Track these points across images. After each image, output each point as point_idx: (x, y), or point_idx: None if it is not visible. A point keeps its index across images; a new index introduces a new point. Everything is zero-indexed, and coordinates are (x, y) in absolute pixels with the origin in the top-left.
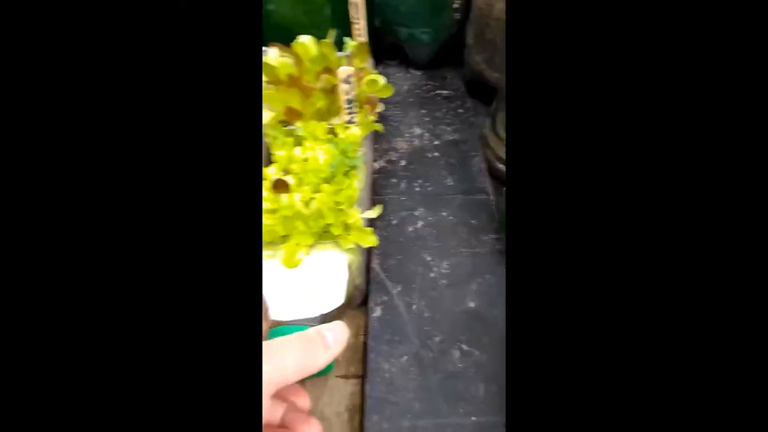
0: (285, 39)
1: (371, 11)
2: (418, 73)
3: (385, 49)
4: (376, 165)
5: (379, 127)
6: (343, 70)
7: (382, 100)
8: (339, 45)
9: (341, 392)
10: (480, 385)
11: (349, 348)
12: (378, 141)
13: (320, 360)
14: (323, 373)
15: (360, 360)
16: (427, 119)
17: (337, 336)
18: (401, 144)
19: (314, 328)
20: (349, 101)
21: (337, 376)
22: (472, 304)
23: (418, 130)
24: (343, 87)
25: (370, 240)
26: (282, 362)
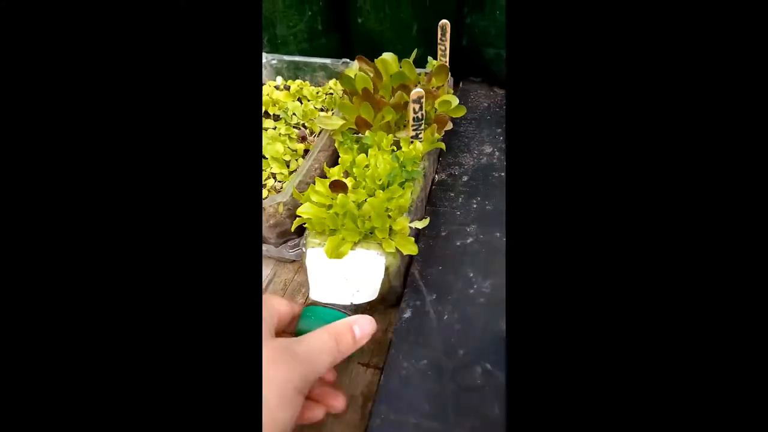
0: (372, 52)
1: (461, 30)
2: (502, 92)
3: (471, 66)
4: (437, 177)
5: (441, 145)
6: (416, 92)
7: (457, 116)
8: (423, 62)
9: (360, 378)
10: (494, 406)
11: (376, 341)
12: (444, 154)
13: (348, 351)
14: (348, 357)
15: (384, 353)
16: (500, 139)
17: (365, 330)
18: (467, 160)
19: (345, 320)
20: (417, 119)
21: (359, 363)
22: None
23: (488, 149)
24: (412, 106)
25: (411, 249)
26: (318, 361)
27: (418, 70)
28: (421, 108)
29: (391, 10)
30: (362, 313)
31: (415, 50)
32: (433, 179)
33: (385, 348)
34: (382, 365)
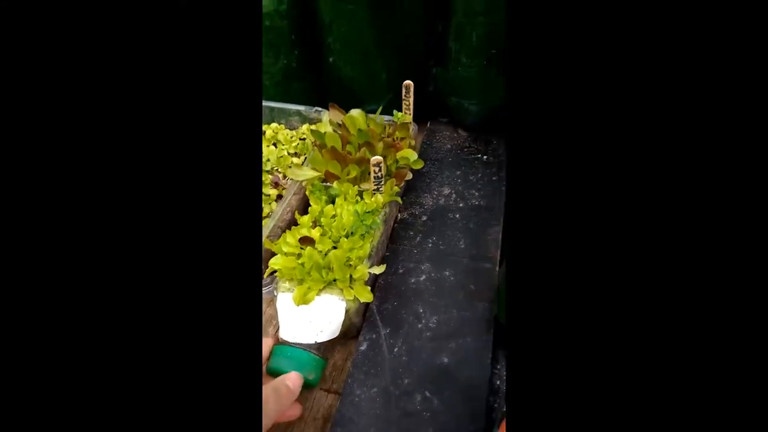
0: (344, 95)
1: (428, 78)
2: (465, 134)
3: (437, 109)
4: (400, 216)
5: (398, 199)
6: (375, 158)
7: (421, 155)
8: (392, 108)
9: (321, 402)
10: (429, 429)
11: (337, 369)
12: (407, 194)
13: (289, 400)
14: (311, 386)
15: (343, 381)
16: (459, 181)
17: (295, 384)
18: (428, 200)
19: (281, 378)
20: (377, 178)
21: (321, 389)
22: (445, 360)
23: (447, 190)
24: (372, 168)
25: (367, 297)
26: (270, 411)
27: (387, 118)
28: (380, 170)
29: (362, 58)
30: (325, 347)
31: (381, 107)
32: (396, 217)
33: (344, 376)
34: (341, 391)
